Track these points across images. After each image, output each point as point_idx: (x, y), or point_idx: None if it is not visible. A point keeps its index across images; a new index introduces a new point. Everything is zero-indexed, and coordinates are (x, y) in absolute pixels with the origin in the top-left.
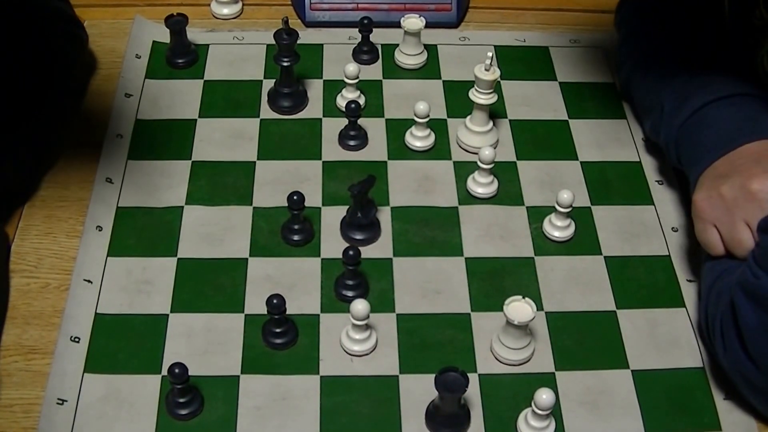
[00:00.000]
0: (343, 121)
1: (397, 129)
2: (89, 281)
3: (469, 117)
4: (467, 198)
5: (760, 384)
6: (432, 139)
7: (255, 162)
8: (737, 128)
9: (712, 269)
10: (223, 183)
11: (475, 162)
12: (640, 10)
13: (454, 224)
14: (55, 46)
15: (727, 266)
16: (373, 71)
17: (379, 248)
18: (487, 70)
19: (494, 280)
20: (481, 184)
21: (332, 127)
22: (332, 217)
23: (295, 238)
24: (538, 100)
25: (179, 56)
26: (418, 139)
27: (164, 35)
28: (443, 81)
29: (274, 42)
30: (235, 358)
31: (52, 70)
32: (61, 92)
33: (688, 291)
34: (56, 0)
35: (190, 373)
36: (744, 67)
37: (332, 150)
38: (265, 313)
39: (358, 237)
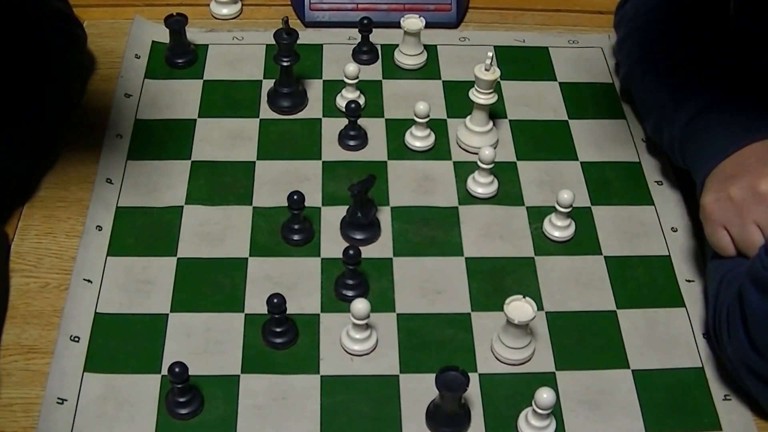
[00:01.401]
0: (343, 121)
1: (396, 129)
2: (89, 281)
3: (469, 117)
4: (467, 198)
5: (764, 373)
6: (432, 139)
7: (255, 162)
8: (742, 128)
9: (721, 266)
10: (222, 183)
11: (475, 162)
12: (641, 8)
13: (454, 224)
14: (52, 45)
15: (738, 263)
16: (373, 71)
17: (379, 248)
18: (487, 70)
19: (494, 280)
20: (481, 184)
21: (332, 127)
22: (332, 216)
23: (295, 237)
24: (537, 101)
25: (179, 56)
26: (418, 139)
27: (163, 35)
28: (443, 81)
29: (273, 42)
30: (235, 358)
31: (50, 69)
32: (58, 91)
33: (688, 291)
34: (55, 0)
35: (189, 373)
36: (747, 66)
37: (332, 150)
38: (265, 312)
39: (358, 237)
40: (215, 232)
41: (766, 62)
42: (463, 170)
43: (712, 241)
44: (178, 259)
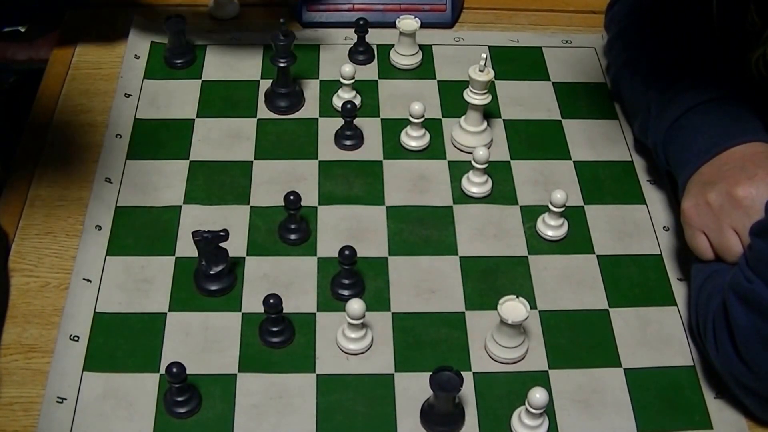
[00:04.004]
0: (339, 121)
1: (392, 129)
2: (88, 280)
3: (463, 117)
4: (462, 197)
5: (752, 385)
6: (427, 138)
7: (252, 162)
8: (722, 132)
9: (701, 270)
10: (220, 182)
11: (470, 162)
12: (629, 10)
13: (448, 223)
14: None
15: (717, 268)
16: (369, 71)
17: (375, 247)
18: (481, 71)
19: (488, 279)
20: (476, 184)
21: (328, 126)
22: (328, 216)
23: (292, 237)
24: (531, 100)
25: (177, 57)
26: (413, 138)
27: (163, 36)
28: (438, 81)
29: (271, 43)
30: (233, 357)
31: None
32: None
33: (679, 290)
34: None
35: (187, 372)
36: (730, 69)
37: (328, 150)
38: (262, 311)
39: (213, 288)
40: (212, 231)
41: (755, 65)
42: (458, 170)
43: (692, 245)
44: (177, 258)
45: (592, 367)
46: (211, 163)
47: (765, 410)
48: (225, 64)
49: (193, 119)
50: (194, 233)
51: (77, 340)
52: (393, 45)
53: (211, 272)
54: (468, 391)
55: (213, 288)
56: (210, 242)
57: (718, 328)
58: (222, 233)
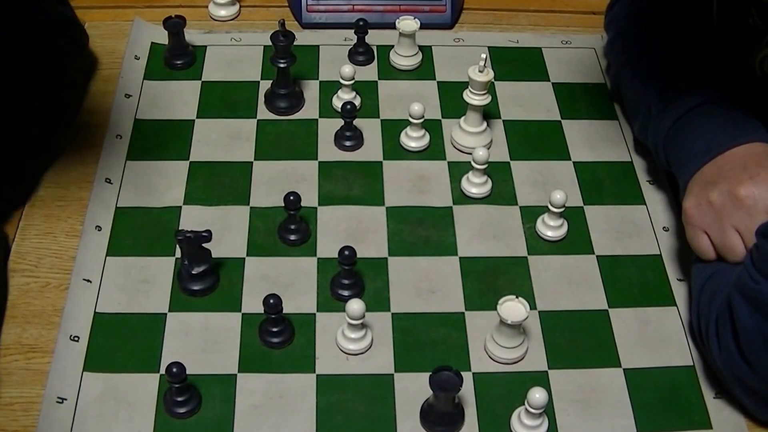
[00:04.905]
0: (339, 122)
1: (392, 129)
2: (88, 280)
3: (463, 117)
4: (461, 198)
5: (753, 385)
6: (427, 139)
7: (252, 162)
8: (723, 132)
9: (702, 270)
10: (220, 183)
11: (469, 162)
12: (629, 11)
13: (448, 224)
14: (55, 49)
15: (718, 267)
16: (369, 72)
17: (375, 248)
18: (480, 71)
19: (488, 280)
20: (475, 184)
21: (328, 127)
22: (328, 216)
23: (292, 237)
24: (531, 101)
25: (177, 57)
26: (413, 139)
27: (163, 37)
28: (438, 82)
29: (270, 43)
30: (233, 357)
31: (51, 72)
32: (58, 93)
33: (679, 290)
34: (58, 5)
35: (187, 372)
36: (731, 71)
37: (328, 150)
38: (262, 312)
39: (195, 288)
40: (213, 232)
41: (749, 65)
42: (458, 170)
43: (693, 245)
44: (177, 258)
45: (591, 367)
46: (211, 164)
47: (764, 410)
48: (225, 65)
49: (193, 120)
50: (177, 233)
51: (77, 341)
52: (393, 46)
53: (194, 272)
54: (467, 391)
55: (195, 288)
56: (193, 242)
57: (722, 327)
58: (205, 233)
